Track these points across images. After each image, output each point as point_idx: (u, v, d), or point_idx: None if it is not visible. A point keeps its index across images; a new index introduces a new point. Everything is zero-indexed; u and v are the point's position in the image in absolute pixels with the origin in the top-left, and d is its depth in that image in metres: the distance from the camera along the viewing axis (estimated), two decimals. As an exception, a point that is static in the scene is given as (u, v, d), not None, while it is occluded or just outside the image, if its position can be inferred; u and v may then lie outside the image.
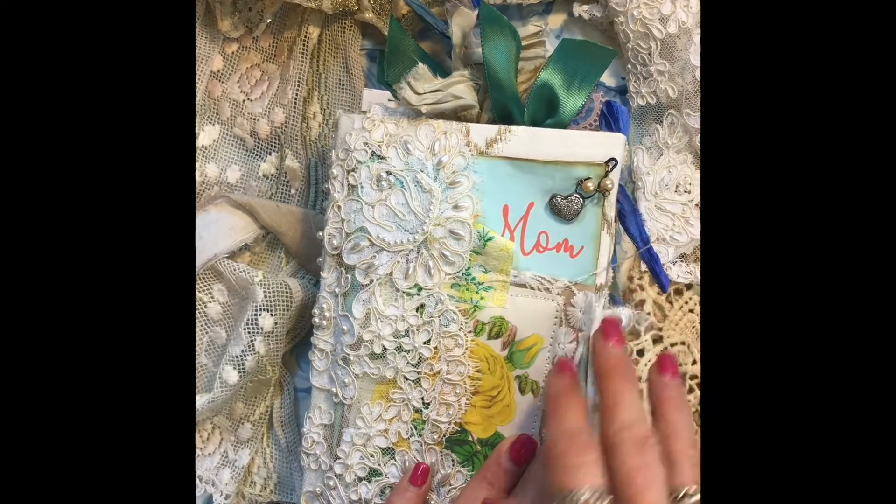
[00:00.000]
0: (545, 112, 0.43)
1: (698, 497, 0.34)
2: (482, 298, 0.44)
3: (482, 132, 0.43)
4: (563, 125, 0.43)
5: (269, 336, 0.50)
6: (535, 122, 0.44)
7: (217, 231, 0.51)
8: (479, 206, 0.43)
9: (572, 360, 0.41)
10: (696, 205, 0.48)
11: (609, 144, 0.42)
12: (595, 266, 0.42)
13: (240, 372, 0.50)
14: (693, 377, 0.49)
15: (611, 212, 0.42)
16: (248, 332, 0.49)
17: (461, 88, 0.44)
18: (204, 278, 0.52)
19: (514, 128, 0.43)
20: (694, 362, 0.49)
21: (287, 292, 0.50)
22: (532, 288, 0.43)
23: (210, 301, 0.52)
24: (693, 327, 0.49)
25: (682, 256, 0.49)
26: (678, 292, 0.49)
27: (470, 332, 0.44)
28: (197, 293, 0.52)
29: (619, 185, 0.44)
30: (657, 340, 0.49)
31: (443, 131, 0.43)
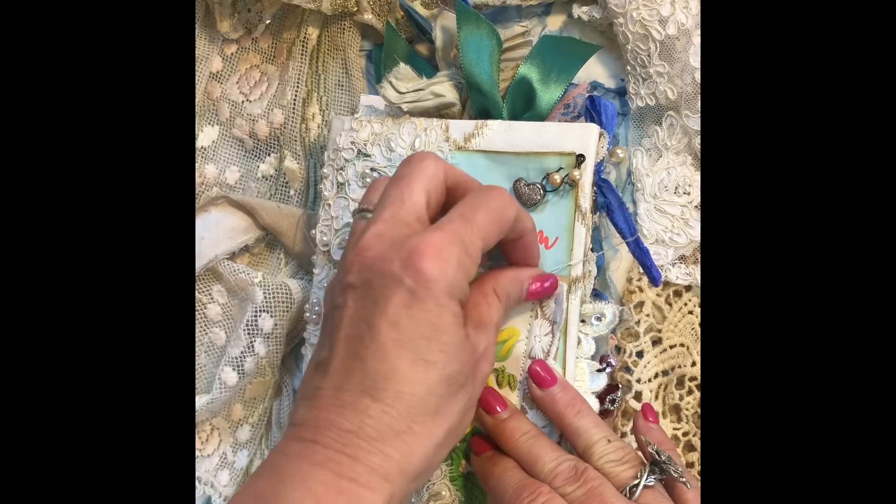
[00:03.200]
0: (523, 106, 0.44)
1: (644, 481, 0.37)
2: None
3: (461, 128, 0.44)
4: (540, 118, 0.43)
5: (268, 337, 0.49)
6: (515, 117, 0.44)
7: (218, 232, 0.51)
8: None
9: (484, 439, 0.42)
10: (696, 206, 0.48)
11: (582, 135, 0.42)
12: (570, 257, 0.42)
13: (239, 373, 0.50)
14: (692, 379, 0.49)
15: (585, 203, 0.42)
16: (248, 334, 0.49)
17: (442, 87, 0.45)
18: (203, 279, 0.52)
19: (490, 122, 0.43)
20: (693, 364, 0.49)
21: (287, 293, 0.50)
22: None
23: (210, 302, 0.52)
24: (692, 329, 0.49)
25: (682, 258, 0.49)
26: (677, 294, 0.49)
27: None
28: (196, 294, 0.52)
29: (605, 180, 0.43)
30: (656, 342, 0.49)
31: (423, 128, 0.44)
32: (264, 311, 0.49)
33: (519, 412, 0.42)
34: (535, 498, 0.37)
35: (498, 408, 0.41)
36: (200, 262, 0.50)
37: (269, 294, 0.49)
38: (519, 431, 0.40)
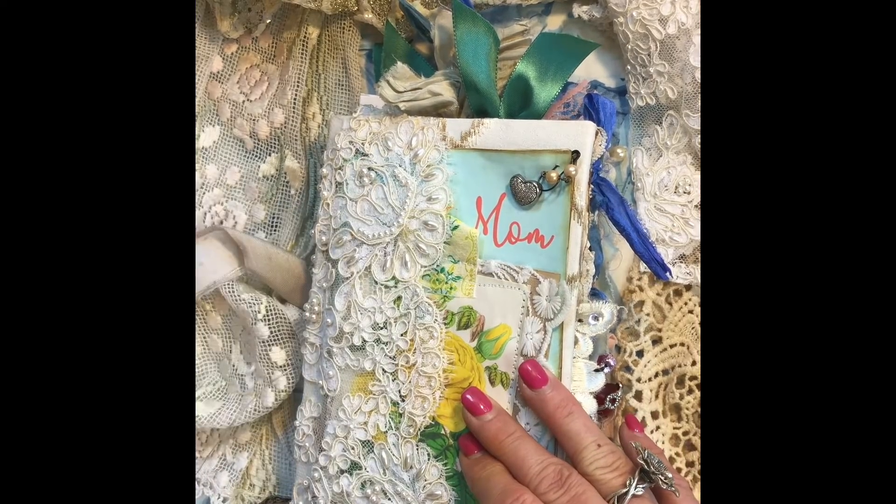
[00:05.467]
0: (520, 104, 0.44)
1: (633, 491, 0.37)
2: (452, 289, 0.44)
3: (457, 126, 0.44)
4: (537, 116, 0.43)
5: (284, 369, 0.50)
6: (512, 115, 0.44)
7: (217, 258, 0.50)
8: (452, 198, 0.44)
9: (471, 439, 0.42)
10: (696, 206, 0.48)
11: (577, 133, 0.42)
12: (566, 255, 0.42)
13: (276, 398, 0.50)
14: (692, 378, 0.49)
15: (581, 201, 0.41)
16: (266, 366, 0.50)
17: (439, 86, 0.45)
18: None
19: (486, 120, 0.43)
20: (693, 363, 0.49)
21: (287, 324, 0.50)
22: (499, 277, 0.43)
23: (212, 309, 0.52)
24: (692, 328, 0.49)
25: (682, 257, 0.49)
26: (678, 293, 0.49)
27: (444, 323, 0.44)
28: (200, 300, 0.51)
29: (604, 179, 0.43)
30: (656, 341, 0.49)
31: (420, 127, 0.44)
32: (273, 343, 0.49)
33: (504, 413, 0.42)
34: None
35: (482, 407, 0.41)
36: (200, 288, 0.49)
37: (274, 326, 0.49)
38: (504, 433, 0.40)
